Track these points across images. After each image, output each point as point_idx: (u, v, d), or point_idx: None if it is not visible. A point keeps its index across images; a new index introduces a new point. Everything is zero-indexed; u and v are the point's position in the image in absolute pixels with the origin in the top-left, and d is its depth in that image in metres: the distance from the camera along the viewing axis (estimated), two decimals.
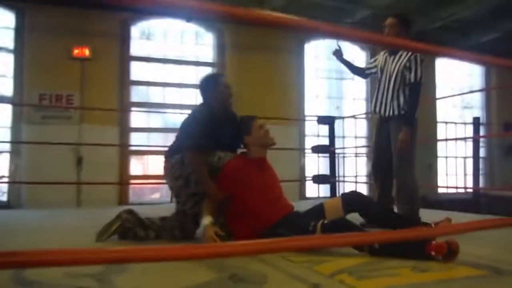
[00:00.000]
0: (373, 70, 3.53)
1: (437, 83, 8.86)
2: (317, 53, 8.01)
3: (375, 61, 3.53)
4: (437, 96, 8.72)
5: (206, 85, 2.99)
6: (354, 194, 2.74)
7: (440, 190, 8.74)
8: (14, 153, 5.98)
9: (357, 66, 3.69)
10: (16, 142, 5.88)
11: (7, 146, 6.05)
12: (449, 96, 8.59)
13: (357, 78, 7.96)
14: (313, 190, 7.39)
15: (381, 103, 3.33)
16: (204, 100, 3.01)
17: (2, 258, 1.03)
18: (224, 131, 2.85)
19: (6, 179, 5.98)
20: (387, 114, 3.29)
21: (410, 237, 1.90)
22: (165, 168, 2.91)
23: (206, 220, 2.56)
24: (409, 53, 3.16)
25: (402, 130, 3.12)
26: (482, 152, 8.93)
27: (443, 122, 9.09)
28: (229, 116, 3.00)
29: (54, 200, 5.60)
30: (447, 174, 9.12)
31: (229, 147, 2.88)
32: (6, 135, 6.01)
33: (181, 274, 1.95)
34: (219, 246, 1.58)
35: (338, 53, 3.58)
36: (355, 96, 8.33)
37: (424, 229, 2.35)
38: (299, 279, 1.87)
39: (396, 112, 3.22)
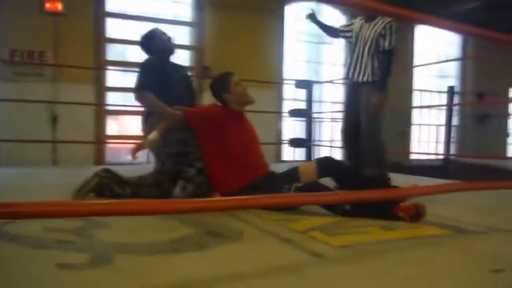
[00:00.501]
0: (348, 34, 3.55)
1: (415, 51, 8.95)
2: (298, 16, 7.94)
3: (351, 25, 3.55)
4: (415, 64, 8.83)
5: (145, 40, 3.16)
6: (329, 159, 2.80)
7: (412, 157, 8.98)
8: None
9: (331, 26, 3.72)
10: None
11: None
12: (425, 64, 8.70)
13: (336, 43, 8.08)
14: (289, 153, 7.50)
15: (354, 68, 3.39)
16: (147, 54, 3.17)
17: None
18: (174, 79, 3.05)
19: None
20: (360, 79, 3.35)
21: (379, 198, 2.00)
22: (143, 130, 3.01)
23: (152, 135, 2.65)
24: (385, 21, 3.21)
25: (375, 95, 3.20)
26: (455, 121, 9.17)
27: (418, 90, 9.24)
28: (177, 66, 3.27)
29: (29, 158, 5.55)
30: (420, 141, 9.36)
31: (185, 101, 3.00)
32: None
33: (160, 230, 2.01)
34: (198, 202, 1.64)
35: (312, 16, 3.63)
36: (333, 61, 8.35)
37: (393, 190, 2.45)
38: (273, 235, 1.95)
39: (370, 79, 3.29)
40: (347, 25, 3.60)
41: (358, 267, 1.54)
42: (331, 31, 3.70)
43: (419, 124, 9.36)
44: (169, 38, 3.17)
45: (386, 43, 3.20)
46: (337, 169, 2.71)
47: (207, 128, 2.72)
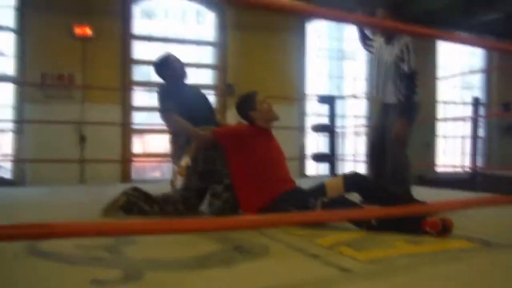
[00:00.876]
0: (371, 49, 3.57)
1: (439, 63, 8.87)
2: (319, 32, 8.00)
3: (374, 41, 3.56)
4: (438, 76, 8.74)
5: (160, 66, 3.27)
6: (357, 175, 2.80)
7: (438, 169, 8.84)
8: (18, 132, 6.04)
9: (366, 34, 3.70)
10: (20, 122, 5.93)
11: (11, 125, 6.11)
12: (449, 77, 8.62)
13: (358, 58, 8.09)
14: (313, 168, 7.49)
15: (380, 89, 3.40)
16: (162, 79, 3.30)
17: (23, 230, 1.12)
18: (192, 99, 3.17)
19: (10, 157, 6.05)
20: (387, 100, 3.37)
21: (406, 213, 1.99)
22: (171, 151, 3.19)
23: (184, 161, 2.72)
24: (401, 43, 3.21)
25: (398, 121, 3.20)
26: (480, 132, 9.01)
27: (442, 102, 9.13)
28: (192, 87, 3.38)
29: (57, 177, 5.71)
30: (445, 154, 9.21)
31: (207, 119, 3.10)
32: (10, 114, 6.06)
33: (188, 246, 2.05)
34: (225, 220, 1.67)
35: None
36: (355, 76, 8.35)
37: (420, 206, 2.44)
38: (299, 250, 1.96)
39: (395, 101, 3.30)
40: (371, 40, 3.61)
41: (386, 281, 1.54)
42: (364, 38, 3.69)
43: (444, 136, 9.22)
44: (181, 66, 3.25)
45: (406, 67, 3.19)
46: (364, 184, 2.70)
47: (235, 146, 2.77)
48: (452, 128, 9.32)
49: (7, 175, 6.11)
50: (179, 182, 2.77)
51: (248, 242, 2.10)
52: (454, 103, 9.32)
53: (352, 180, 2.70)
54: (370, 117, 8.19)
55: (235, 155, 2.78)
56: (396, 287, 1.47)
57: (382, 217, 2.18)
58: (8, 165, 6.13)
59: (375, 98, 3.58)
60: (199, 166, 2.89)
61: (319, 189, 2.70)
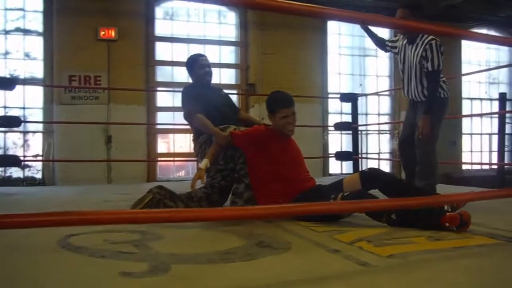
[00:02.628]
0: (394, 50, 3.56)
1: (463, 59, 8.73)
2: (340, 30, 7.99)
3: (396, 41, 3.56)
4: (463, 71, 8.60)
5: (187, 66, 3.39)
6: (373, 170, 2.80)
7: (464, 167, 8.70)
8: (47, 133, 6.24)
9: (380, 38, 3.71)
10: (49, 122, 6.13)
11: (40, 126, 6.31)
12: (474, 72, 8.44)
13: (380, 55, 8.04)
14: (336, 167, 7.48)
15: (408, 89, 3.41)
16: (190, 77, 3.42)
17: (61, 217, 1.20)
18: (215, 101, 3.24)
19: (40, 158, 6.25)
20: (414, 99, 3.38)
21: (424, 204, 2.02)
22: (195, 149, 3.27)
23: (203, 163, 2.78)
24: (425, 42, 3.19)
25: (421, 118, 3.20)
26: (508, 129, 8.82)
27: (468, 98, 8.98)
28: (215, 91, 3.41)
29: (85, 177, 5.88)
30: (471, 151, 9.05)
31: (229, 118, 3.17)
32: (39, 115, 6.26)
33: (212, 242, 2.11)
34: (246, 209, 1.73)
35: (365, 25, 3.61)
36: (378, 73, 8.30)
37: (437, 196, 2.46)
38: (320, 246, 2.00)
39: (422, 98, 3.30)
40: (393, 41, 3.60)
41: (405, 275, 1.57)
42: (380, 43, 3.71)
43: (471, 134, 9.06)
44: (207, 72, 3.32)
45: (429, 65, 3.17)
46: (383, 179, 2.70)
47: (252, 149, 2.83)
48: (479, 125, 9.16)
49: (38, 174, 6.32)
50: (199, 184, 2.82)
51: (271, 238, 2.15)
52: (480, 99, 9.15)
53: (368, 175, 2.70)
54: (393, 114, 8.13)
55: (252, 157, 2.83)
56: (415, 281, 1.49)
57: (401, 207, 2.20)
58: (39, 165, 6.34)
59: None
60: (219, 164, 2.97)
61: (337, 186, 2.72)
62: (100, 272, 1.63)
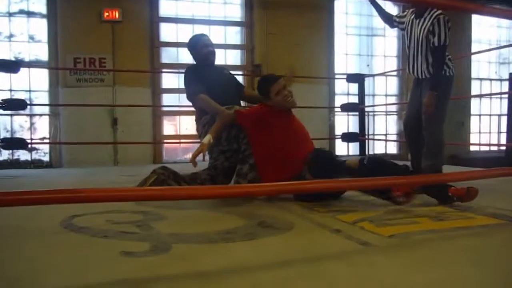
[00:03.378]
0: (401, 26, 3.50)
1: (473, 37, 8.56)
2: (347, 10, 7.86)
3: (404, 16, 3.49)
4: (472, 50, 8.44)
5: (189, 46, 3.35)
6: (373, 159, 2.68)
7: (472, 148, 8.62)
8: (53, 116, 6.26)
9: (388, 13, 3.64)
10: (54, 105, 6.14)
11: (47, 109, 6.33)
12: (484, 51, 8.28)
13: (388, 35, 7.92)
14: (343, 148, 7.45)
15: (413, 66, 3.35)
16: (193, 58, 3.39)
17: (67, 194, 1.21)
18: (218, 81, 3.20)
19: (47, 140, 6.29)
20: (419, 76, 3.32)
21: (426, 182, 2.02)
22: (197, 129, 3.24)
23: (206, 138, 2.75)
24: (432, 16, 3.12)
25: (427, 95, 3.15)
26: None
27: (477, 78, 8.84)
28: (219, 70, 3.37)
29: (92, 159, 5.91)
30: (480, 132, 8.96)
31: (231, 99, 3.14)
32: (45, 98, 6.28)
33: (213, 222, 2.12)
34: (249, 186, 1.73)
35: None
36: (386, 53, 8.19)
37: (440, 175, 2.52)
38: (322, 226, 2.00)
39: (427, 75, 3.24)
40: (401, 16, 3.54)
41: (405, 254, 1.57)
42: (387, 19, 3.64)
43: (479, 115, 8.96)
44: (210, 52, 3.28)
45: (436, 39, 3.11)
46: (382, 168, 2.61)
47: (255, 128, 2.83)
48: (488, 106, 9.04)
49: (45, 157, 6.37)
50: (199, 164, 2.81)
51: (273, 219, 2.15)
52: (490, 79, 9.02)
53: (366, 167, 2.56)
54: (401, 95, 8.05)
55: (255, 136, 2.84)
56: (414, 259, 1.49)
57: (405, 185, 2.25)
58: (46, 147, 6.38)
59: (410, 74, 3.52)
60: (222, 145, 2.95)
61: (340, 165, 2.69)
62: (102, 252, 1.64)
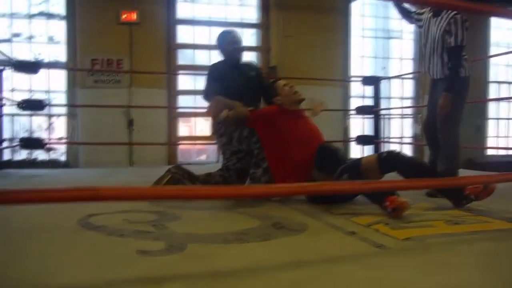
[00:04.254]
0: (419, 24, 3.47)
1: (492, 40, 8.45)
2: (364, 12, 7.83)
3: (422, 13, 3.46)
4: (490, 53, 8.33)
5: (217, 42, 3.35)
6: (391, 153, 2.68)
7: (489, 152, 8.49)
8: (71, 116, 6.35)
9: (407, 9, 3.60)
10: (71, 106, 6.23)
11: (64, 110, 6.42)
12: (502, 54, 8.15)
13: (405, 36, 7.86)
14: (357, 151, 7.41)
15: (429, 66, 3.32)
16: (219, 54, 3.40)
17: (86, 192, 1.23)
18: (237, 82, 3.15)
19: (64, 140, 6.38)
20: (434, 76, 3.28)
21: (441, 186, 2.01)
22: (213, 125, 3.28)
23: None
24: (449, 16, 3.09)
25: (442, 96, 3.11)
26: None
27: (495, 82, 8.72)
28: (243, 69, 3.32)
29: (108, 160, 5.97)
30: (497, 136, 8.82)
31: (246, 101, 3.05)
32: (63, 99, 6.37)
33: (228, 222, 2.13)
34: (266, 188, 1.74)
35: None
36: (402, 56, 8.13)
37: (455, 178, 2.50)
38: (337, 228, 2.00)
39: (442, 75, 3.21)
40: (419, 13, 3.50)
41: (419, 257, 1.56)
42: (406, 14, 3.60)
43: (497, 118, 8.82)
44: (236, 49, 3.27)
45: (452, 39, 3.08)
46: (403, 162, 2.60)
47: (266, 128, 2.86)
48: (507, 109, 8.90)
49: (62, 157, 6.46)
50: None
51: (287, 220, 2.16)
52: (508, 82, 8.88)
53: (386, 158, 2.59)
54: (417, 98, 7.98)
55: (267, 137, 2.87)
56: (428, 262, 1.48)
57: (420, 188, 2.28)
58: (63, 148, 6.47)
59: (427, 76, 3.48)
60: (233, 146, 2.98)
61: (355, 163, 2.67)
62: (118, 250, 1.67)
